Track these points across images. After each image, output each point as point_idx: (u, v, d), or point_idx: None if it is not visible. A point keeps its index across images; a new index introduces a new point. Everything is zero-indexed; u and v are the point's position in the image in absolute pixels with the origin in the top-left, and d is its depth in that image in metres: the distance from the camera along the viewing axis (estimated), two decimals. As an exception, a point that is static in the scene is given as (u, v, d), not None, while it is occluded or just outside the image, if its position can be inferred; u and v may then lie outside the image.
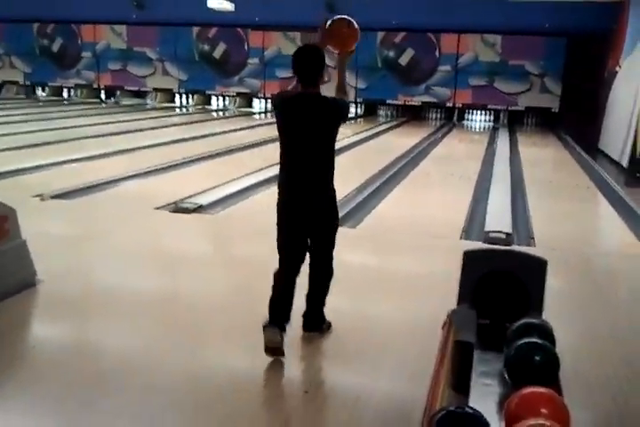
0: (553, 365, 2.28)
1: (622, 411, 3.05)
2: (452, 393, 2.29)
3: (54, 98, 21.19)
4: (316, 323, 3.70)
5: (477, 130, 17.57)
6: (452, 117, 18.39)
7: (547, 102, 17.35)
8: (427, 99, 18.27)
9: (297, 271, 3.53)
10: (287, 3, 17.18)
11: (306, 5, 16.94)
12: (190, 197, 7.08)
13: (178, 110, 19.53)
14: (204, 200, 6.93)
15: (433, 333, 3.14)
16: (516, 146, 13.42)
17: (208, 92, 20.19)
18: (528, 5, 15.76)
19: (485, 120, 18.28)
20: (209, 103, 20.43)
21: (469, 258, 3.04)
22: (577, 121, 15.48)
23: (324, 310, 3.72)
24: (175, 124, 15.36)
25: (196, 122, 16.06)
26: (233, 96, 20.09)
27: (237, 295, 4.40)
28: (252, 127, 15.30)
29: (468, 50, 17.74)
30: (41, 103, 19.65)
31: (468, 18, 16.33)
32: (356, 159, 10.46)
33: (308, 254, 3.58)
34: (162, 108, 19.14)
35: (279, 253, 3.54)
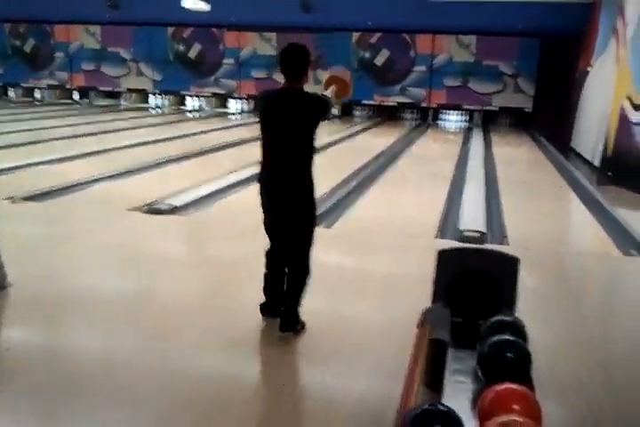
0: (525, 362, 2.30)
1: (593, 405, 3.09)
2: (426, 391, 2.29)
3: (26, 99, 20.94)
4: (291, 323, 3.70)
5: (452, 130, 17.69)
6: (427, 118, 18.50)
7: (520, 102, 17.53)
8: (402, 99, 18.36)
9: (285, 250, 3.70)
10: (263, 3, 17.15)
11: (281, 6, 16.95)
12: (164, 198, 7.03)
13: (152, 111, 19.39)
14: (178, 202, 6.89)
15: (408, 332, 3.14)
16: (490, 146, 13.54)
17: (183, 92, 20.08)
18: (502, 6, 15.90)
19: (460, 120, 18.41)
20: (184, 104, 20.32)
21: (443, 257, 3.06)
22: (550, 121, 15.66)
23: (300, 311, 3.72)
24: (149, 125, 15.26)
25: (171, 123, 15.97)
26: (208, 97, 20.01)
27: (211, 296, 4.38)
28: (228, 128, 15.23)
29: (443, 51, 17.86)
30: (13, 104, 19.40)
31: (442, 19, 16.44)
32: (332, 159, 10.47)
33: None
34: (136, 109, 19.00)
35: (266, 233, 3.75)
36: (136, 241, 5.75)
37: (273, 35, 18.52)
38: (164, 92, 20.30)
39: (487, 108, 17.84)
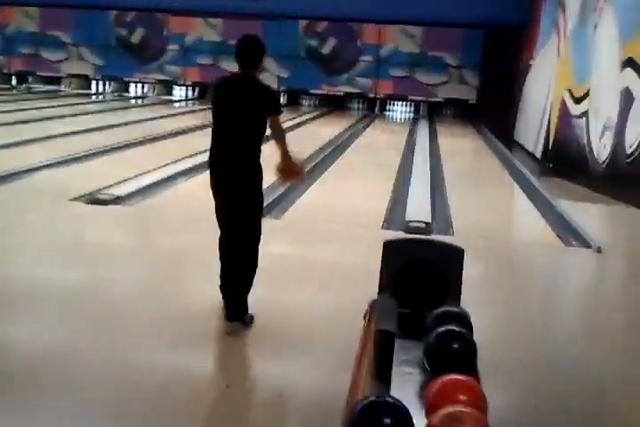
0: (470, 352, 2.32)
1: (537, 394, 3.16)
2: (373, 382, 2.29)
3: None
4: (238, 311, 3.65)
5: (398, 121, 17.82)
6: (374, 108, 18.56)
7: (464, 94, 17.75)
8: (349, 89, 18.37)
9: (233, 237, 3.67)
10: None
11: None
12: (107, 187, 6.86)
13: (94, 97, 18.90)
14: (121, 191, 6.74)
15: (355, 322, 3.15)
16: (436, 137, 13.69)
17: (126, 78, 19.60)
18: (447, -3, 16.04)
19: (406, 111, 18.54)
20: (127, 90, 19.83)
21: (389, 248, 3.06)
22: (494, 112, 15.91)
23: (248, 303, 3.69)
24: (91, 112, 14.86)
25: (114, 109, 15.60)
26: (152, 83, 19.61)
27: (157, 289, 4.30)
28: (173, 115, 14.95)
29: (389, 41, 17.93)
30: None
31: (389, 9, 16.47)
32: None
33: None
34: (77, 95, 18.47)
35: (216, 218, 3.74)
36: (77, 232, 5.61)
37: (219, 21, 18.24)
38: (106, 78, 19.79)
39: (432, 99, 18.01)
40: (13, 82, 20.29)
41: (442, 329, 2.39)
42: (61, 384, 3.01)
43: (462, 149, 13.13)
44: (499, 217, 7.11)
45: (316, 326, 3.78)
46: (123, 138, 10.52)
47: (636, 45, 7.78)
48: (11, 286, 4.23)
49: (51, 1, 18.25)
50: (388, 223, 6.25)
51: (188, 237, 5.38)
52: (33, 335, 3.54)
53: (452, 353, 2.28)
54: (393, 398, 1.91)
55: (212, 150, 3.69)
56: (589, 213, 7.36)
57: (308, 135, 12.94)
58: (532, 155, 12.05)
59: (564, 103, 10.50)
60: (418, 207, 6.83)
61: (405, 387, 2.25)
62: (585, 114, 9.36)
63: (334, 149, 10.88)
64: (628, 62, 7.86)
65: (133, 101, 18.68)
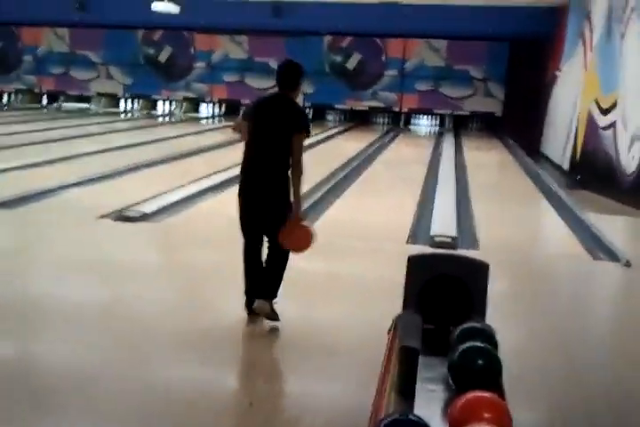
0: (495, 369, 2.30)
1: (563, 412, 3.11)
2: (397, 399, 2.28)
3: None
4: (270, 291, 3.79)
5: (423, 134, 17.79)
6: (399, 122, 18.57)
7: (490, 107, 17.69)
8: (374, 103, 18.43)
9: (259, 243, 3.91)
10: (233, 6, 17.10)
11: (252, 9, 16.92)
12: (135, 205, 6.94)
13: (122, 116, 19.21)
14: (148, 208, 6.81)
15: (380, 337, 3.14)
16: (461, 150, 13.64)
17: (154, 96, 19.91)
18: (471, 10, 16.05)
19: (431, 125, 18.52)
20: (154, 108, 20.13)
21: (413, 263, 3.05)
22: (520, 125, 15.82)
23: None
24: (119, 130, 15.10)
25: (142, 127, 15.85)
26: (179, 101, 19.87)
27: (182, 305, 4.33)
28: (199, 133, 15.14)
29: (414, 55, 17.96)
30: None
31: (413, 23, 16.53)
32: (305, 164, 10.44)
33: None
34: (106, 114, 18.78)
35: (241, 229, 3.90)
36: (106, 249, 5.67)
37: (244, 38, 18.46)
38: (134, 97, 20.11)
39: (458, 112, 17.97)
40: (44, 101, 20.71)
41: (466, 345, 2.37)
42: (88, 400, 3.04)
43: (488, 162, 13.06)
44: (525, 230, 7.04)
45: (339, 339, 3.77)
46: (150, 156, 10.65)
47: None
48: (40, 302, 4.28)
49: (80, 21, 18.62)
50: (413, 238, 6.23)
51: (213, 253, 5.41)
52: (60, 352, 3.58)
53: (477, 370, 2.26)
54: (416, 416, 1.90)
55: (245, 161, 3.89)
56: (617, 226, 7.26)
57: (333, 150, 12.98)
58: (559, 167, 11.94)
59: (590, 114, 10.40)
60: (443, 221, 6.79)
61: (429, 404, 2.23)
62: (612, 125, 9.26)
63: (360, 164, 10.89)
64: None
65: (161, 119, 18.92)
